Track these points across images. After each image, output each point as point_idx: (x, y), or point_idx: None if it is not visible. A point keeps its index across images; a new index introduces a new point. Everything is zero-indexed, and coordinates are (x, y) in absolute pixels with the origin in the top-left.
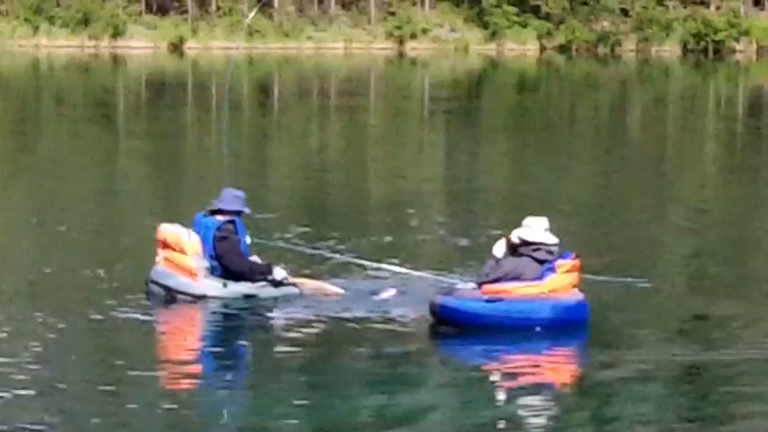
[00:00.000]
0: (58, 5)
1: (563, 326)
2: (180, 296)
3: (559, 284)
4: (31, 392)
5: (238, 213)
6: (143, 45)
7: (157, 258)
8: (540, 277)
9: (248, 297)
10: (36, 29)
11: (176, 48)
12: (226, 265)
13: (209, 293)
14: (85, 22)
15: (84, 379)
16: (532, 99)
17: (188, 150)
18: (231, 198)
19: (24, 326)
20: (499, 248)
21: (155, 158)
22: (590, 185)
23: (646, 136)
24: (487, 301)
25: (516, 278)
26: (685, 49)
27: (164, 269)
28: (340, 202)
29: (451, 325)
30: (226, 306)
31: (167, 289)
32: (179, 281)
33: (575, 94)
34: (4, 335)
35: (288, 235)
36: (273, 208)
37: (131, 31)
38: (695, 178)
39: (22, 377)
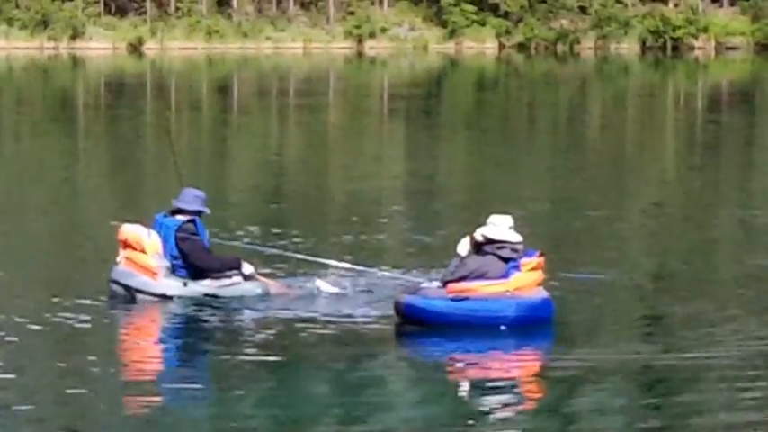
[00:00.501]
0: (17, 7)
1: (528, 324)
2: (140, 295)
3: (524, 282)
4: None
5: (199, 213)
6: (102, 46)
7: (118, 258)
8: (506, 275)
9: (209, 296)
10: None
11: (135, 49)
12: (192, 263)
13: (169, 292)
14: (44, 23)
15: (45, 381)
16: (492, 97)
17: (148, 151)
18: (192, 198)
19: None
20: (463, 247)
21: (115, 159)
22: (550, 183)
23: (605, 133)
24: (453, 299)
25: (481, 276)
26: (644, 47)
27: (125, 269)
28: (300, 201)
29: (417, 324)
30: (187, 306)
31: (128, 288)
32: (139, 280)
33: (534, 92)
34: None
35: (248, 234)
36: (233, 207)
37: (90, 32)
38: (655, 175)
39: None
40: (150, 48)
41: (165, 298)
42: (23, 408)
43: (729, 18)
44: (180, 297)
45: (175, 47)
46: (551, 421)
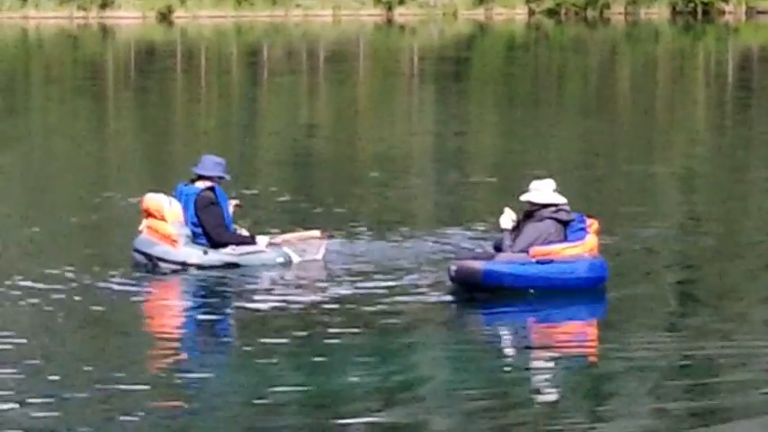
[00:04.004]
0: None
1: (599, 284)
2: (162, 264)
3: (594, 244)
4: (14, 365)
5: (219, 179)
6: (131, 15)
7: (141, 227)
8: (580, 237)
9: (229, 265)
10: (24, 1)
11: (165, 17)
12: (208, 234)
13: (190, 260)
14: None
15: (67, 350)
16: (521, 63)
17: (177, 119)
18: (211, 164)
19: (9, 296)
20: (507, 220)
21: (144, 128)
22: (580, 148)
23: (635, 98)
24: (538, 262)
25: (546, 242)
26: (674, 12)
27: (147, 237)
28: (329, 164)
29: (497, 290)
30: (209, 274)
31: (150, 257)
32: (160, 248)
33: (564, 58)
34: None
35: (276, 196)
36: (263, 170)
37: (119, 1)
38: (687, 136)
39: (3, 348)
40: (179, 16)
41: (185, 266)
42: (49, 377)
43: None
44: (200, 265)
45: (204, 15)
46: (583, 399)
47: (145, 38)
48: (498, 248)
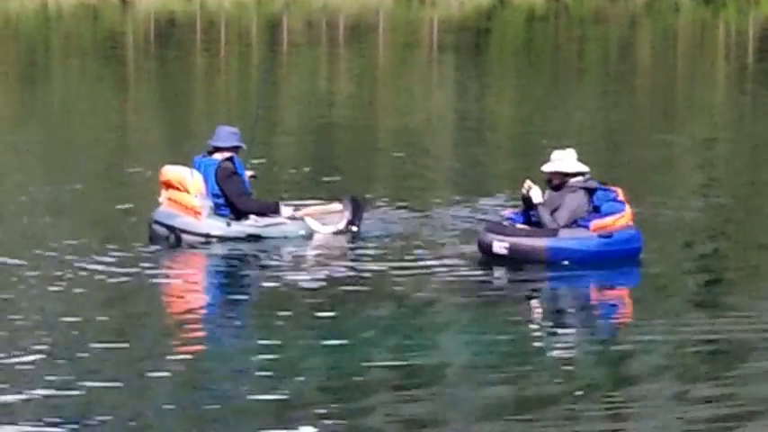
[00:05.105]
0: None
1: (640, 254)
2: (185, 236)
3: (631, 213)
4: (34, 342)
5: (236, 149)
6: None
7: (161, 199)
8: (622, 209)
9: (252, 236)
10: None
11: None
12: (232, 204)
13: (213, 232)
14: None
15: (88, 325)
16: (541, 35)
17: (197, 91)
18: (227, 134)
19: (28, 270)
20: (538, 194)
21: (164, 100)
22: (601, 118)
23: (656, 69)
24: (600, 236)
25: (587, 212)
26: None
27: (167, 209)
28: (349, 135)
29: (559, 262)
30: (230, 247)
31: (171, 229)
32: (183, 220)
33: (583, 30)
34: (9, 279)
35: (301, 169)
36: (282, 141)
37: None
38: (706, 110)
39: (23, 323)
40: None
41: (208, 238)
42: (69, 353)
43: None
44: (223, 237)
45: None
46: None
47: (164, 10)
48: (528, 222)
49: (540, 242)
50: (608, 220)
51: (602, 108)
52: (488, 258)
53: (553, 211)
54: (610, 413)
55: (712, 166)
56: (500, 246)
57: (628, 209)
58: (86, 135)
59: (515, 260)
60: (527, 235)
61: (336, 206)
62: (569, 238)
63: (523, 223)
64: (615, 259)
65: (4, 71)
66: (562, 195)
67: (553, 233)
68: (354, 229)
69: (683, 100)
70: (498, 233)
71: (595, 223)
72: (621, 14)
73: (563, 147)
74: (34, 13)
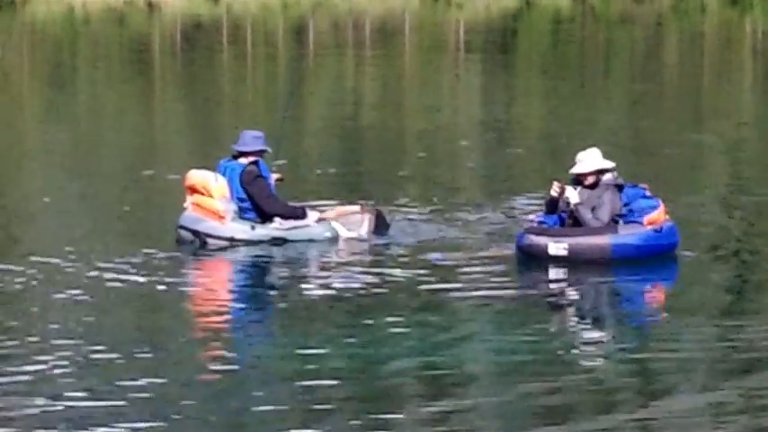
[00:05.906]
0: None
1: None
2: (210, 240)
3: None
4: (60, 344)
5: (260, 153)
6: None
7: (186, 204)
8: (656, 204)
9: (276, 240)
10: None
11: None
12: (258, 207)
13: (237, 236)
14: None
15: (113, 329)
16: (568, 36)
17: (224, 95)
18: (251, 139)
19: (54, 274)
20: (574, 194)
21: (191, 103)
22: (627, 121)
23: (682, 69)
24: (654, 230)
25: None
26: None
27: (192, 214)
28: (375, 136)
29: (621, 260)
30: (256, 251)
31: (196, 233)
32: (208, 225)
33: (610, 31)
34: (35, 282)
35: (328, 171)
36: (308, 143)
37: None
38: (733, 110)
39: (49, 327)
40: None
41: (233, 242)
42: (95, 356)
43: None
44: (248, 240)
45: None
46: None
47: (191, 14)
48: (561, 223)
49: (603, 240)
50: (655, 214)
51: (628, 108)
52: (519, 261)
53: (591, 210)
54: (637, 424)
55: (740, 166)
56: (557, 247)
57: (662, 204)
58: (113, 138)
59: (574, 261)
60: (587, 234)
61: (354, 208)
62: (630, 234)
63: (559, 225)
64: (664, 253)
65: (32, 75)
66: (599, 193)
67: (613, 230)
68: (375, 241)
69: (710, 100)
70: (553, 235)
71: (649, 218)
72: (648, 15)
73: (585, 148)
74: (61, 16)
